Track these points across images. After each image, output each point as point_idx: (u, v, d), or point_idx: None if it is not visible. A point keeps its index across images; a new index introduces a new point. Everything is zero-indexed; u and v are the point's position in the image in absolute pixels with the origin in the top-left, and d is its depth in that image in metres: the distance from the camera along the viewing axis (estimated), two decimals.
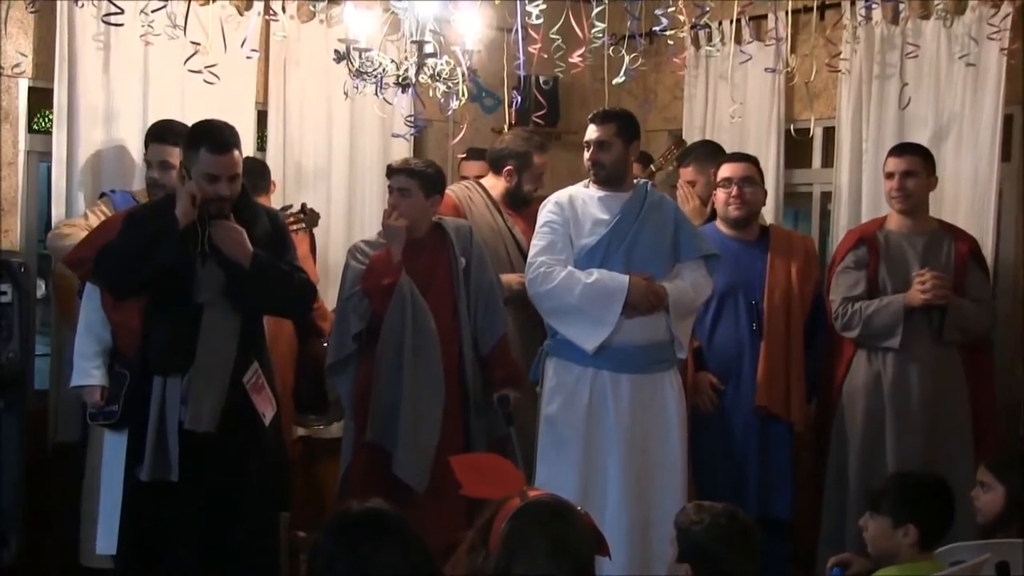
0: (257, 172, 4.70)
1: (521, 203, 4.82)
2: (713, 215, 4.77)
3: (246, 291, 3.81)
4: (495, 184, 4.84)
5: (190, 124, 3.94)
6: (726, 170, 4.59)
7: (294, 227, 4.46)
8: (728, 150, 5.01)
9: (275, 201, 4.89)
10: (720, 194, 4.60)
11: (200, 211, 3.73)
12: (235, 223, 3.77)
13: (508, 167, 4.79)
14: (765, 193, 4.71)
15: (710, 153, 5.07)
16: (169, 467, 3.72)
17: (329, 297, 4.86)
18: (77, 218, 4.54)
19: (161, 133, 4.49)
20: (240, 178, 3.81)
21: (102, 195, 4.62)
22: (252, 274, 3.78)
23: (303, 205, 4.70)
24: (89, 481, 4.46)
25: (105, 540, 4.30)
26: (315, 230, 5.27)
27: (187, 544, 3.79)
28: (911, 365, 4.31)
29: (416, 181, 4.17)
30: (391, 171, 4.26)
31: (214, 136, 3.73)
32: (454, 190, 4.80)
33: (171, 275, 3.74)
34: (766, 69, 5.30)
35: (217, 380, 3.76)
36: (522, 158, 4.77)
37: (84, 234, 4.36)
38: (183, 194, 3.72)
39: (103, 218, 4.43)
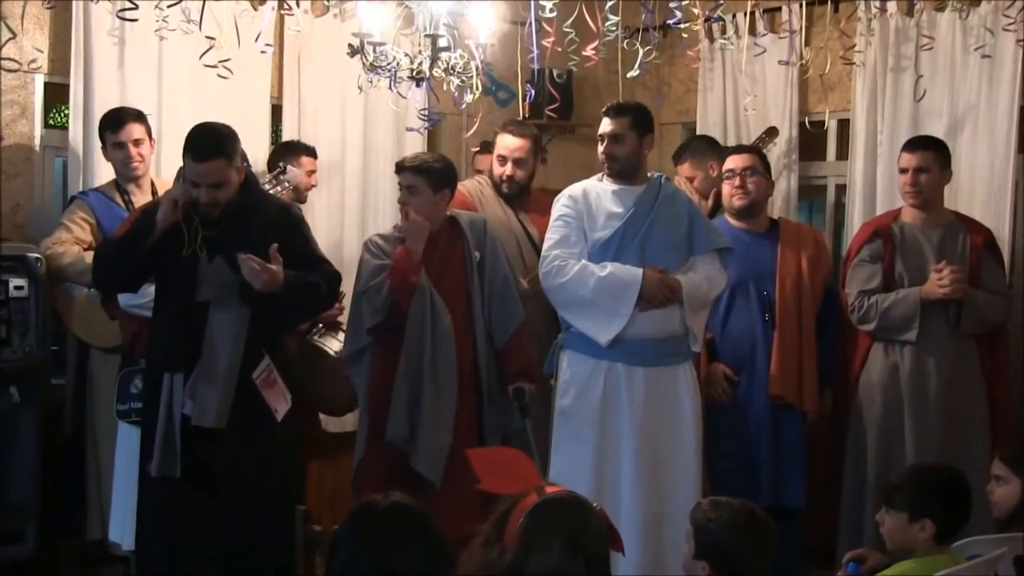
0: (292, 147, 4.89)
1: (505, 197, 4.77)
2: (715, 210, 4.77)
3: (281, 314, 3.90)
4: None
5: (202, 119, 3.93)
6: (730, 162, 4.63)
7: (278, 190, 4.40)
8: (743, 143, 5.00)
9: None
10: (725, 186, 4.64)
11: (191, 212, 3.73)
12: (256, 259, 3.69)
13: (484, 156, 4.81)
14: (771, 184, 4.70)
15: (706, 147, 5.10)
16: (175, 463, 3.74)
17: (344, 290, 4.87)
18: (60, 232, 4.46)
19: (117, 117, 4.51)
20: (226, 186, 3.74)
21: (73, 199, 4.60)
22: (284, 298, 3.78)
23: (280, 164, 4.57)
24: (106, 473, 4.50)
25: (116, 529, 4.34)
26: (329, 222, 5.29)
27: (200, 538, 3.80)
28: (928, 357, 4.31)
29: (423, 177, 4.16)
30: (399, 168, 4.25)
31: (196, 144, 3.71)
32: (466, 185, 4.80)
33: (174, 272, 3.75)
34: (780, 62, 5.28)
35: (223, 376, 3.75)
36: (487, 143, 4.77)
37: (77, 248, 4.39)
38: (166, 198, 3.73)
39: (85, 225, 4.45)
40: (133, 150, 4.49)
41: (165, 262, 3.77)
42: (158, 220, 3.69)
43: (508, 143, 4.72)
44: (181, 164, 3.83)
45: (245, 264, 3.67)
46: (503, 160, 4.72)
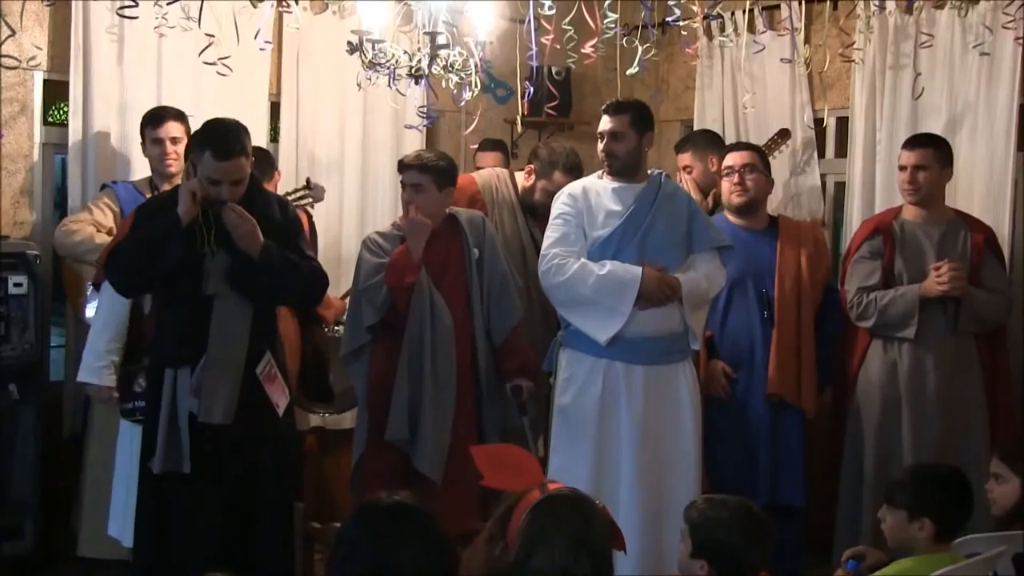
0: (261, 160, 4.70)
1: (528, 208, 4.78)
2: (715, 210, 4.77)
3: (255, 282, 3.80)
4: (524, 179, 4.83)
5: (202, 116, 3.93)
6: (729, 159, 4.63)
7: (301, 203, 4.43)
8: (743, 140, 5.00)
9: (283, 188, 4.89)
10: (724, 183, 4.64)
11: (204, 207, 3.72)
12: (246, 212, 3.73)
13: (531, 166, 4.78)
14: (771, 181, 4.70)
15: (709, 141, 5.11)
16: (181, 459, 3.73)
17: (342, 287, 4.87)
18: (82, 213, 4.53)
19: (158, 115, 4.53)
20: (245, 182, 3.78)
21: (103, 187, 4.63)
22: (261, 264, 3.75)
23: (307, 179, 4.67)
24: (93, 473, 4.49)
25: (117, 525, 4.34)
26: (328, 219, 5.29)
27: (203, 535, 3.80)
28: (927, 355, 4.31)
29: (429, 176, 4.17)
30: (403, 166, 4.25)
31: (219, 142, 3.70)
32: (483, 175, 4.79)
33: (180, 269, 3.74)
34: (782, 60, 5.28)
35: (230, 371, 3.76)
36: (546, 167, 4.71)
37: (92, 229, 4.39)
38: (184, 191, 3.72)
39: (108, 211, 4.46)
40: (170, 147, 4.50)
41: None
42: (180, 215, 3.68)
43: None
44: (189, 159, 3.84)
45: (228, 213, 3.68)
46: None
